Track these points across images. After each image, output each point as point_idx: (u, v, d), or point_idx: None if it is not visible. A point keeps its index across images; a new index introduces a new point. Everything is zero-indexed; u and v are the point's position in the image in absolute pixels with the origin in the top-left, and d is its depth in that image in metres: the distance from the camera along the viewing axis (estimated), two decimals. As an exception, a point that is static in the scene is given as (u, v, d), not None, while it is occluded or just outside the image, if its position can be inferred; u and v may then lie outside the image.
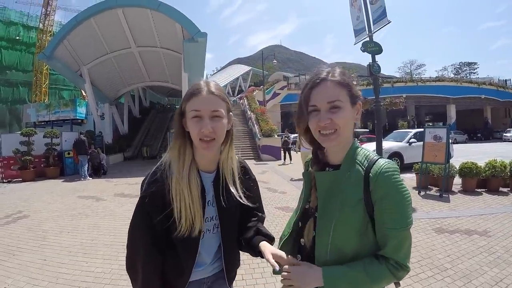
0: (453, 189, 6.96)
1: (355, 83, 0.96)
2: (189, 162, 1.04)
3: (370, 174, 0.88)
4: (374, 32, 10.49)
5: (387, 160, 0.91)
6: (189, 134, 1.02)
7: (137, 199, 1.07)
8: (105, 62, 15.91)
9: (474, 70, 64.85)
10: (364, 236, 0.89)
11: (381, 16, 10.47)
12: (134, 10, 12.88)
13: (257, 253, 1.05)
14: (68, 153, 11.85)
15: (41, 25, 25.45)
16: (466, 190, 6.83)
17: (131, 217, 1.09)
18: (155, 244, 1.04)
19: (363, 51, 10.27)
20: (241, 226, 1.17)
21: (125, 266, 1.12)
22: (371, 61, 10.12)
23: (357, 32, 11.88)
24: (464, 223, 4.66)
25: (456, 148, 14.18)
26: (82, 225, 5.10)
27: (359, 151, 0.96)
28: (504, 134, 28.80)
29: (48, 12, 25.62)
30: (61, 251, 3.92)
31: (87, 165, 11.08)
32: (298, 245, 1.04)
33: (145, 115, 23.50)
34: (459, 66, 66.48)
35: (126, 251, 1.10)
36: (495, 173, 6.64)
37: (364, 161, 0.92)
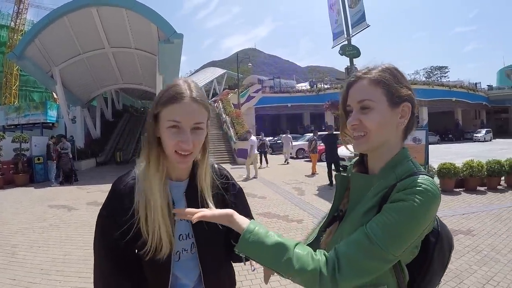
0: (432, 189, 7.13)
1: (403, 82, 0.82)
2: (163, 173, 0.89)
3: (398, 184, 0.74)
4: (353, 36, 10.70)
5: (430, 179, 0.74)
6: (152, 141, 0.88)
7: None
8: (78, 63, 15.27)
9: (445, 73, 68.16)
10: None
11: (360, 20, 10.70)
12: (109, 9, 12.44)
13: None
14: (38, 159, 11.18)
15: (12, 24, 24.16)
16: (445, 190, 7.02)
17: (94, 236, 0.94)
18: (120, 267, 0.89)
19: (341, 54, 10.45)
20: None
21: None
22: (348, 65, 10.32)
23: (336, 36, 12.11)
24: (448, 223, 4.62)
25: (430, 149, 14.71)
26: (53, 238, 4.74)
27: (403, 162, 0.80)
28: (475, 135, 30.56)
29: (20, 10, 24.39)
30: (32, 268, 3.59)
31: (55, 171, 10.56)
32: None
33: (118, 119, 22.72)
34: (430, 70, 69.65)
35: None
36: (472, 173, 6.88)
37: (404, 174, 0.77)
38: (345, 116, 0.87)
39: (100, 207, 0.94)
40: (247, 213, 1.05)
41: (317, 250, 0.76)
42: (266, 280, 0.84)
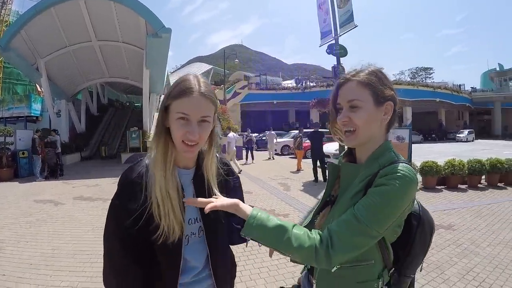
0: (415, 186, 7.36)
1: (386, 83, 0.95)
2: (171, 161, 0.95)
3: (381, 171, 0.86)
4: (341, 35, 10.86)
5: (409, 167, 0.85)
6: (162, 132, 0.95)
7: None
8: (64, 56, 14.88)
9: (430, 74, 69.70)
10: None
11: (348, 20, 10.86)
12: (97, 1, 12.19)
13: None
14: (23, 153, 10.90)
15: (-4, 15, 23.28)
16: (427, 187, 7.28)
17: (104, 225, 0.98)
18: (133, 258, 0.93)
19: (329, 53, 10.59)
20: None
21: (101, 279, 1.00)
22: (336, 64, 10.47)
23: (324, 35, 12.25)
24: (431, 218, 4.92)
25: (413, 148, 15.14)
26: (41, 232, 4.68)
27: (386, 153, 0.92)
28: (458, 135, 31.46)
29: (5, 0, 23.48)
30: (21, 263, 3.54)
31: (40, 165, 10.36)
32: None
33: (103, 113, 22.26)
34: (415, 71, 70.99)
35: (103, 263, 1.00)
36: (454, 171, 7.13)
37: (385, 162, 0.89)
38: (335, 113, 0.99)
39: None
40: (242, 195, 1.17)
41: (312, 230, 0.86)
42: (271, 254, 1.02)
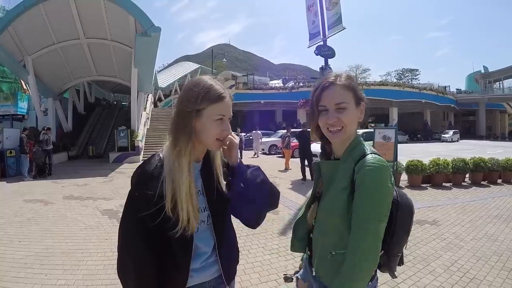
0: (400, 184, 7.59)
1: (359, 86, 1.10)
2: (193, 157, 1.04)
3: (355, 166, 0.99)
4: (329, 37, 11.04)
5: (376, 156, 0.99)
6: (188, 130, 1.02)
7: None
8: (51, 53, 14.64)
9: (416, 76, 70.71)
10: (346, 221, 0.98)
11: (337, 22, 11.05)
12: (86, -2, 12.04)
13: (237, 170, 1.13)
14: (10, 152, 10.67)
15: (-17, 10, 22.57)
16: (413, 185, 7.49)
17: (121, 216, 1.06)
18: (149, 245, 1.01)
19: (317, 54, 10.76)
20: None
21: (116, 270, 1.06)
22: (323, 65, 10.65)
23: (312, 36, 12.43)
24: (415, 214, 5.10)
25: (398, 147, 15.48)
26: (33, 232, 4.65)
27: (358, 146, 1.06)
28: (443, 136, 32.23)
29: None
30: (15, 263, 3.53)
31: (28, 164, 10.20)
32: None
33: (90, 112, 21.94)
34: (401, 72, 71.87)
35: (118, 253, 1.06)
36: (439, 170, 7.38)
37: (358, 155, 1.02)
38: (318, 114, 1.08)
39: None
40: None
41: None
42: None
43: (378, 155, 1.01)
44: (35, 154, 10.33)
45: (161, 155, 1.07)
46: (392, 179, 0.98)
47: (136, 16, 11.96)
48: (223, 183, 1.14)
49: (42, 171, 10.58)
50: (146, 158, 1.11)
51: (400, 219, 1.04)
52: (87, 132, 19.63)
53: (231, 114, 1.08)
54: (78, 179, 9.91)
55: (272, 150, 18.30)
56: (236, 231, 1.27)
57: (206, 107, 1.01)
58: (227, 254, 1.15)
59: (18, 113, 15.75)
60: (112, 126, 19.51)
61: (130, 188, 1.04)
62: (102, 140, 18.93)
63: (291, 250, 1.27)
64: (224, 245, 1.13)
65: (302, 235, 1.23)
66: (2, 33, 12.13)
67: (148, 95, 20.74)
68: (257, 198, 1.11)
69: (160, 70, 48.02)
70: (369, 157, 0.98)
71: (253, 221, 1.18)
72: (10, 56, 13.33)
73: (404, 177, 7.80)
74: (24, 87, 19.65)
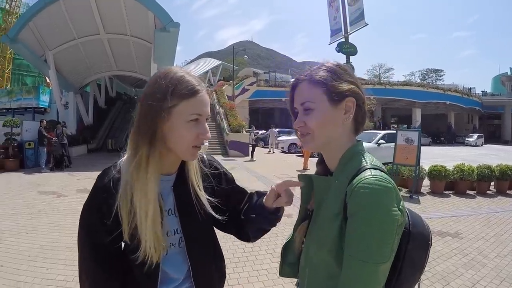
0: (422, 190, 7.22)
1: (344, 77, 0.82)
2: (159, 170, 0.83)
3: (348, 186, 0.73)
4: (351, 33, 10.72)
5: (376, 172, 0.72)
6: (153, 135, 0.81)
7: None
8: (72, 48, 14.95)
9: (440, 76, 68.31)
10: (338, 257, 0.74)
11: (359, 18, 10.70)
12: (105, -6, 12.19)
13: (270, 214, 0.90)
14: (29, 144, 10.98)
15: (7, 6, 23.58)
16: (435, 192, 7.11)
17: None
18: (108, 268, 0.86)
19: (338, 51, 10.48)
20: (237, 218, 1.00)
21: None
22: (345, 62, 10.34)
23: (334, 32, 12.13)
24: (436, 224, 4.79)
25: (421, 150, 14.98)
26: (42, 224, 4.68)
27: (354, 159, 0.80)
28: (467, 139, 30.82)
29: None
30: (19, 255, 3.54)
31: (45, 156, 10.42)
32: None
33: (111, 106, 22.41)
34: (426, 72, 69.72)
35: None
36: (463, 176, 6.95)
37: (352, 172, 0.76)
38: (294, 118, 0.88)
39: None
40: (241, 199, 1.05)
41: None
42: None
43: (381, 170, 0.75)
44: (53, 146, 10.59)
45: (121, 166, 0.88)
46: (401, 203, 0.71)
47: (155, 12, 11.98)
48: (204, 198, 0.93)
49: (59, 163, 10.84)
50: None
51: (410, 254, 0.77)
52: (107, 126, 20.07)
53: (209, 113, 0.86)
54: (94, 172, 10.02)
55: (291, 148, 18.15)
56: None
57: (176, 104, 0.80)
58: (207, 282, 0.97)
59: (40, 106, 16.25)
60: (132, 120, 19.84)
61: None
62: (122, 134, 19.22)
63: (280, 275, 1.02)
64: (202, 272, 0.95)
65: (292, 260, 0.98)
66: (23, 29, 12.50)
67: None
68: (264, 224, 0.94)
69: (183, 66, 48.51)
70: (366, 174, 0.72)
71: (250, 239, 1.02)
72: (31, 51, 13.71)
73: (426, 182, 7.43)
74: (48, 81, 20.32)
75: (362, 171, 0.74)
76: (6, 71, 23.61)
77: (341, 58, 9.89)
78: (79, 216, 0.90)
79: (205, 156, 1.05)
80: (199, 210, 0.92)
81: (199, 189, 0.93)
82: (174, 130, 0.81)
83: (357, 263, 0.68)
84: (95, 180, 0.89)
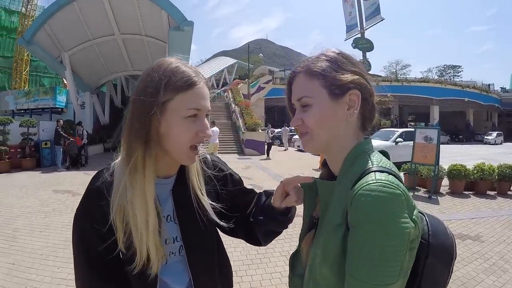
0: (441, 190, 6.98)
1: (346, 67, 0.72)
2: (153, 174, 0.76)
3: (347, 195, 0.63)
4: (367, 29, 10.45)
5: (380, 177, 0.60)
6: (147, 135, 0.74)
7: None
8: (87, 49, 15.22)
9: (458, 73, 66.43)
10: (341, 275, 0.62)
11: (375, 13, 10.45)
12: (119, -5, 12.33)
13: (279, 215, 0.84)
14: (46, 144, 11.26)
15: (23, 10, 24.18)
16: (454, 192, 6.86)
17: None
18: (102, 277, 0.81)
19: (354, 47, 10.25)
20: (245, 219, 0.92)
21: None
22: (361, 58, 10.11)
23: (349, 28, 11.90)
24: (456, 227, 4.60)
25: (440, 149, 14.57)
26: (55, 223, 4.75)
27: (359, 159, 0.69)
28: (486, 137, 29.82)
29: (31, -4, 24.43)
30: (32, 253, 3.59)
31: (61, 156, 10.66)
32: None
33: (127, 105, 22.78)
34: (443, 68, 67.98)
35: None
36: (483, 176, 6.68)
37: (356, 173, 0.66)
38: (292, 115, 0.78)
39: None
40: (249, 201, 0.96)
41: None
42: None
43: (389, 172, 0.62)
44: (69, 146, 10.81)
45: (114, 168, 0.82)
46: (415, 211, 0.60)
47: (169, 11, 12.04)
48: (207, 204, 0.85)
49: (75, 162, 11.07)
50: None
51: (430, 269, 0.64)
52: (123, 125, 20.40)
53: (209, 107, 0.77)
54: (110, 171, 10.23)
55: None
56: None
57: (170, 98, 0.72)
58: (207, 283, 0.89)
59: (57, 106, 16.67)
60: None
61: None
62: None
63: (289, 287, 0.90)
64: (204, 281, 0.88)
65: (302, 272, 0.84)
66: (38, 31, 12.76)
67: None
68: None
69: (198, 65, 49.04)
70: (369, 178, 0.60)
71: (261, 243, 0.95)
72: (47, 53, 14.02)
73: (445, 182, 7.19)
74: (65, 81, 20.83)
75: (365, 175, 0.63)
76: (23, 73, 24.23)
77: (357, 54, 9.69)
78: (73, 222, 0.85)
79: (208, 156, 0.97)
80: (201, 216, 0.84)
81: (201, 193, 0.86)
82: (170, 128, 0.73)
83: (357, 283, 0.57)
84: (88, 183, 0.83)
